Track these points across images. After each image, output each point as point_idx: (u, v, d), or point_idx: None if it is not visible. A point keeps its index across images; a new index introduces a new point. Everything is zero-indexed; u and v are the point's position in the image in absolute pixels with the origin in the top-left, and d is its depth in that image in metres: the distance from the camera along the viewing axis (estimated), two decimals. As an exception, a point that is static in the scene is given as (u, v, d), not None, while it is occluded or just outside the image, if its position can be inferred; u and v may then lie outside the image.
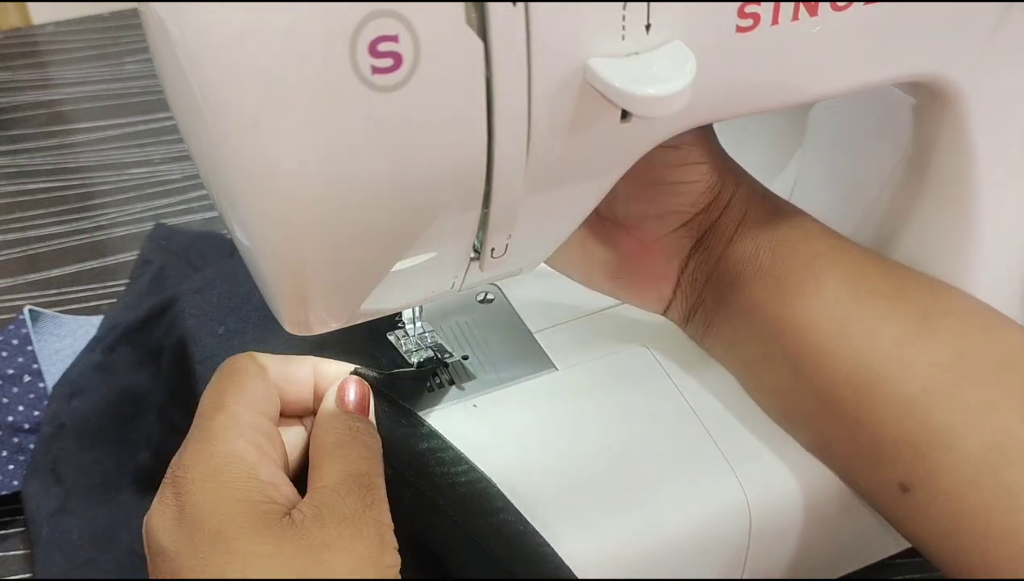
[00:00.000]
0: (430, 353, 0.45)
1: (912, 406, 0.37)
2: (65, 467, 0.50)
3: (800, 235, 0.42)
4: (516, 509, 0.38)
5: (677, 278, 0.44)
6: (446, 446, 0.40)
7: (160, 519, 0.32)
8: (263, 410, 0.35)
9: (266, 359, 0.37)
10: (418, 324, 0.45)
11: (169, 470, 0.33)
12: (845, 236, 0.43)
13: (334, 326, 0.36)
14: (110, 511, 0.48)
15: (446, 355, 0.45)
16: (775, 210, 0.43)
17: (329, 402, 0.37)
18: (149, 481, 0.48)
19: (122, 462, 0.50)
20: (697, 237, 0.43)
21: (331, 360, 0.39)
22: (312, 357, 0.39)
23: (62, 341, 0.58)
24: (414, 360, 0.45)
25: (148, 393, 0.52)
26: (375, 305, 0.36)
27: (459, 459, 0.40)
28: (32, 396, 0.54)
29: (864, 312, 0.39)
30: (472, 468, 0.39)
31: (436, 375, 0.45)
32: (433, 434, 0.40)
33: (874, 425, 0.38)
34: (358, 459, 0.35)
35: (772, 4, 0.31)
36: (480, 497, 0.39)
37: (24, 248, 0.68)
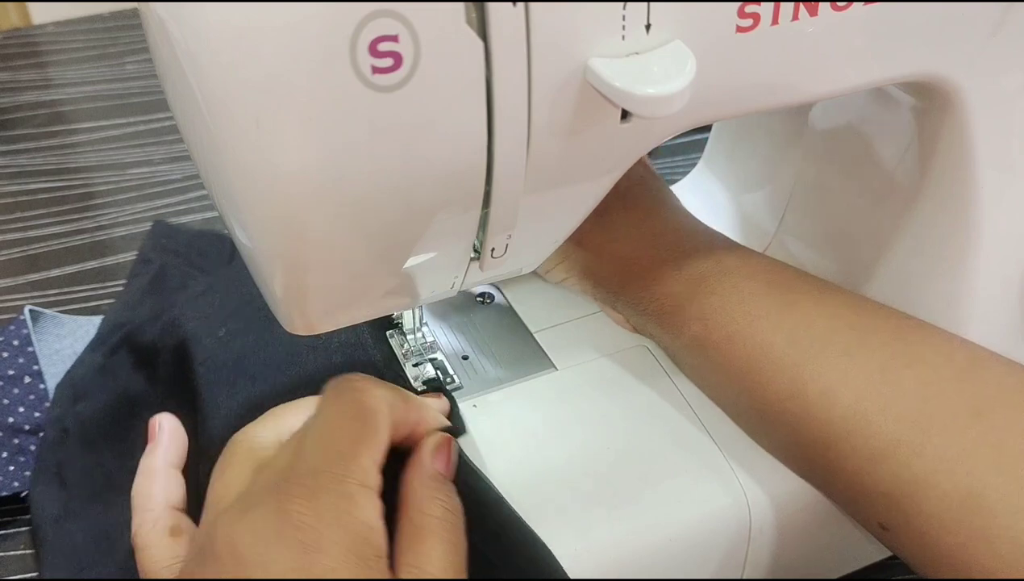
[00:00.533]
0: (432, 372, 0.45)
1: (880, 459, 0.37)
2: (68, 471, 0.50)
3: (732, 288, 0.42)
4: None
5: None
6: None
7: (259, 540, 0.31)
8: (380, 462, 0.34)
9: (389, 401, 0.35)
10: (419, 334, 0.45)
11: (276, 492, 0.32)
12: (797, 275, 0.43)
13: (334, 326, 0.36)
14: (112, 514, 0.48)
15: (447, 380, 0.45)
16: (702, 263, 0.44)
17: (429, 465, 0.36)
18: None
19: (123, 464, 0.49)
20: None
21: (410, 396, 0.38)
22: (415, 397, 0.39)
23: (62, 341, 0.58)
24: (416, 376, 0.45)
25: (149, 395, 0.51)
26: (375, 305, 0.36)
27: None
28: (32, 397, 0.54)
29: (821, 370, 0.39)
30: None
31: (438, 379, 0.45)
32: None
33: (845, 476, 0.38)
34: (460, 544, 0.34)
35: (772, 4, 0.31)
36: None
37: (24, 248, 0.68)
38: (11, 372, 0.54)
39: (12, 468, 0.50)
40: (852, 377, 0.38)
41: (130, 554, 0.45)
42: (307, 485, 0.31)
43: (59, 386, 0.54)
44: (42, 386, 0.54)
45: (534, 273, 0.47)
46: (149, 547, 0.35)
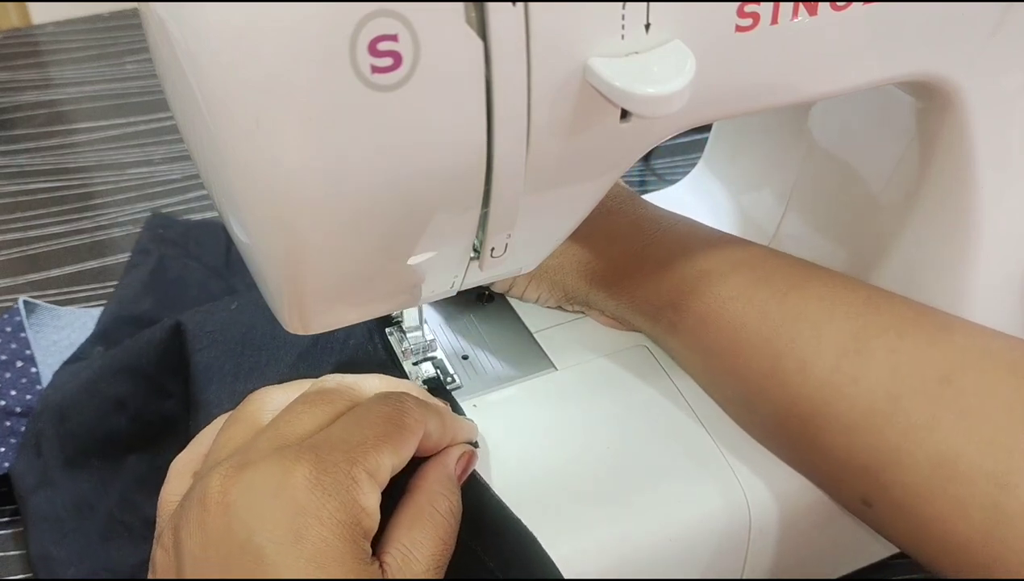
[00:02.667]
0: (432, 371, 0.45)
1: (855, 430, 0.37)
2: (44, 441, 0.50)
3: (711, 266, 0.43)
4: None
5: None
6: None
7: (255, 495, 0.31)
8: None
9: (426, 424, 0.35)
10: (419, 332, 0.45)
11: (282, 454, 0.32)
12: (760, 258, 0.43)
13: (333, 326, 0.36)
14: (89, 478, 0.49)
15: (447, 380, 0.45)
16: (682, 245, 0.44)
17: (450, 466, 0.37)
18: (122, 444, 0.49)
19: (93, 428, 0.50)
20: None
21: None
22: (454, 417, 0.39)
23: (60, 332, 0.59)
24: (416, 376, 0.45)
25: (132, 365, 0.52)
26: (375, 304, 0.36)
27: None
28: (24, 381, 0.54)
29: (793, 343, 0.39)
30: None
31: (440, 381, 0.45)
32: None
33: (824, 449, 0.38)
34: (450, 546, 0.34)
35: (772, 4, 0.31)
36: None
37: (24, 248, 0.68)
38: (3, 357, 0.55)
39: (3, 449, 0.51)
40: (825, 348, 0.38)
41: (111, 517, 0.46)
42: (319, 456, 0.32)
43: (57, 372, 0.55)
44: (34, 370, 0.55)
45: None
46: (169, 479, 0.36)
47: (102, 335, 0.58)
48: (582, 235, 0.46)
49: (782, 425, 0.40)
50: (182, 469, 0.36)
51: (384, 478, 0.33)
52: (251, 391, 0.44)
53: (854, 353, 0.38)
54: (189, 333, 0.49)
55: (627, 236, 0.46)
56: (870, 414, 0.37)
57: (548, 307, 0.49)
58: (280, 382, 0.43)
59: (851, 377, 0.37)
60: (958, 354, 0.37)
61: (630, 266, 0.45)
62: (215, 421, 0.38)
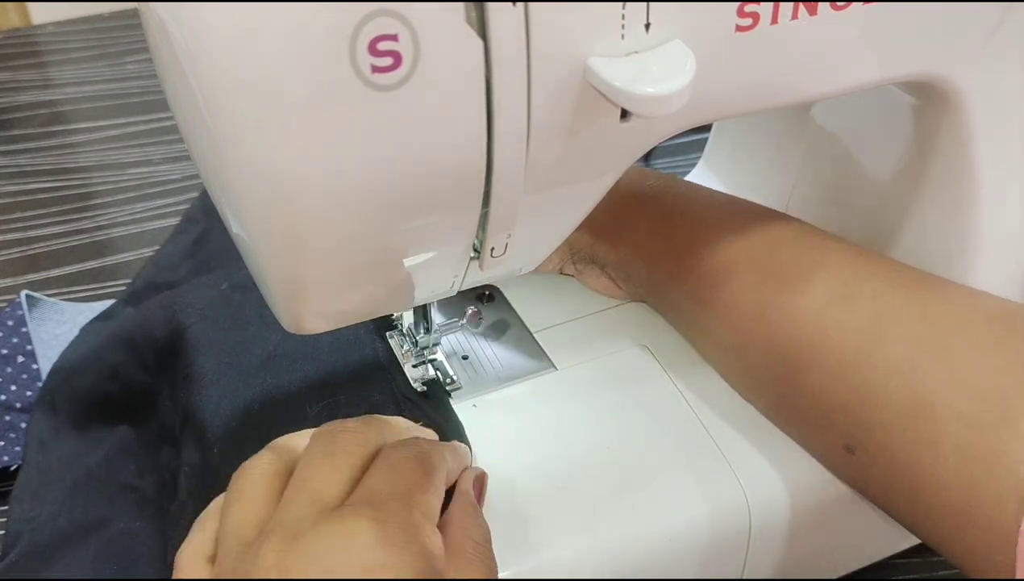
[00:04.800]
0: (432, 372, 0.45)
1: (838, 370, 0.38)
2: (57, 398, 0.52)
3: (708, 217, 0.44)
4: None
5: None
6: None
7: (317, 564, 0.29)
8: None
9: (447, 459, 0.36)
10: (418, 333, 0.46)
11: (334, 517, 0.31)
12: (758, 212, 0.45)
13: (333, 326, 0.36)
14: (83, 437, 0.50)
15: (447, 380, 0.45)
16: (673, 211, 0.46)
17: (471, 495, 0.37)
18: (115, 410, 0.51)
19: (92, 392, 0.51)
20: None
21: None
22: (458, 446, 0.40)
23: (62, 326, 0.59)
24: (416, 378, 0.45)
25: (127, 336, 0.53)
26: (374, 305, 0.36)
27: None
28: (25, 377, 0.55)
29: (783, 288, 0.40)
30: None
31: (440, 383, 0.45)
32: None
33: (808, 391, 0.39)
34: (493, 563, 0.34)
35: (772, 4, 0.31)
36: None
37: (24, 248, 0.68)
38: (4, 351, 0.55)
39: (3, 443, 0.51)
40: (813, 293, 0.39)
41: (89, 473, 0.48)
42: (377, 510, 0.31)
43: (84, 328, 0.56)
44: (35, 366, 0.55)
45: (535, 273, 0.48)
46: (183, 570, 0.33)
47: (133, 296, 0.60)
48: None
49: (769, 368, 0.41)
50: (191, 558, 0.33)
51: (435, 518, 0.33)
52: (238, 364, 0.46)
53: (841, 298, 0.39)
54: (180, 310, 0.50)
55: (629, 187, 0.47)
56: (853, 355, 0.38)
57: (546, 272, 0.50)
58: (269, 358, 0.45)
59: (837, 320, 0.38)
60: (940, 302, 0.38)
61: (632, 216, 0.46)
62: (212, 504, 0.35)
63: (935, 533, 0.36)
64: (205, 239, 0.64)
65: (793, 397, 0.41)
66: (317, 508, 0.31)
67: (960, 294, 0.39)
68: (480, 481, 0.39)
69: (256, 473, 0.34)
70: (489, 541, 0.35)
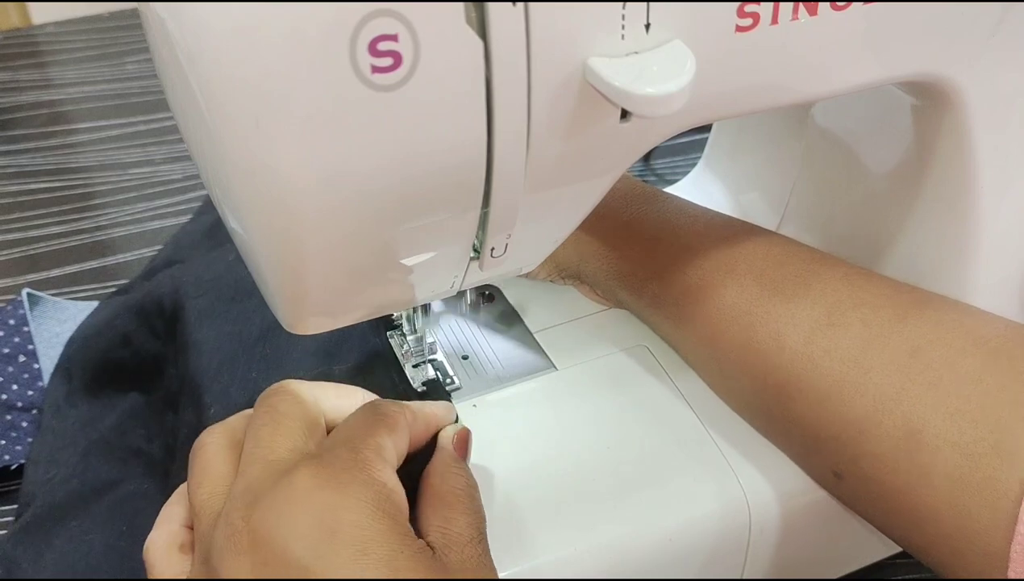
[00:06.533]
0: (432, 372, 0.45)
1: (826, 400, 0.38)
2: (73, 366, 0.54)
3: (693, 242, 0.44)
4: None
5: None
6: None
7: (278, 518, 0.30)
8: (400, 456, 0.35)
9: (406, 410, 0.36)
10: (418, 332, 0.46)
11: (285, 474, 0.31)
12: (743, 234, 0.44)
13: (333, 326, 0.36)
14: (97, 403, 0.52)
15: (447, 380, 0.45)
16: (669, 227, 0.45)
17: (449, 447, 0.37)
18: (126, 377, 0.53)
19: (106, 359, 0.53)
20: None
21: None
22: (426, 404, 0.39)
23: (62, 325, 0.59)
24: (415, 377, 0.45)
25: (139, 305, 0.55)
26: (374, 305, 0.36)
27: None
28: (27, 376, 0.55)
29: (768, 316, 0.40)
30: None
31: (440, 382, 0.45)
32: None
33: (797, 420, 0.39)
34: (482, 515, 0.35)
35: (772, 4, 0.31)
36: None
37: (24, 248, 0.68)
38: (6, 351, 0.55)
39: (3, 443, 0.51)
40: (799, 321, 0.39)
41: (101, 438, 0.50)
42: (321, 457, 0.31)
43: (102, 302, 0.58)
44: (36, 365, 0.55)
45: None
46: (156, 564, 0.34)
47: (151, 273, 0.61)
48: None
49: (758, 396, 0.41)
50: (163, 550, 0.34)
51: (390, 457, 0.33)
52: (238, 334, 0.48)
53: (827, 326, 0.38)
54: (187, 281, 0.52)
55: (617, 210, 0.47)
56: (841, 385, 0.37)
57: (537, 280, 0.50)
58: (268, 329, 0.46)
59: (823, 349, 0.38)
60: (929, 328, 0.37)
61: (618, 239, 0.46)
62: (175, 493, 0.36)
63: (927, 555, 0.36)
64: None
65: (782, 423, 0.41)
66: (270, 471, 0.32)
67: (949, 316, 0.38)
68: (462, 438, 0.38)
69: (211, 448, 0.35)
70: (471, 487, 0.35)
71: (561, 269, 0.49)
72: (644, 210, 0.47)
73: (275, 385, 0.36)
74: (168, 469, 0.48)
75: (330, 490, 0.30)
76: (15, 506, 0.50)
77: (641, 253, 0.45)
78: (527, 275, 0.50)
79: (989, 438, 0.33)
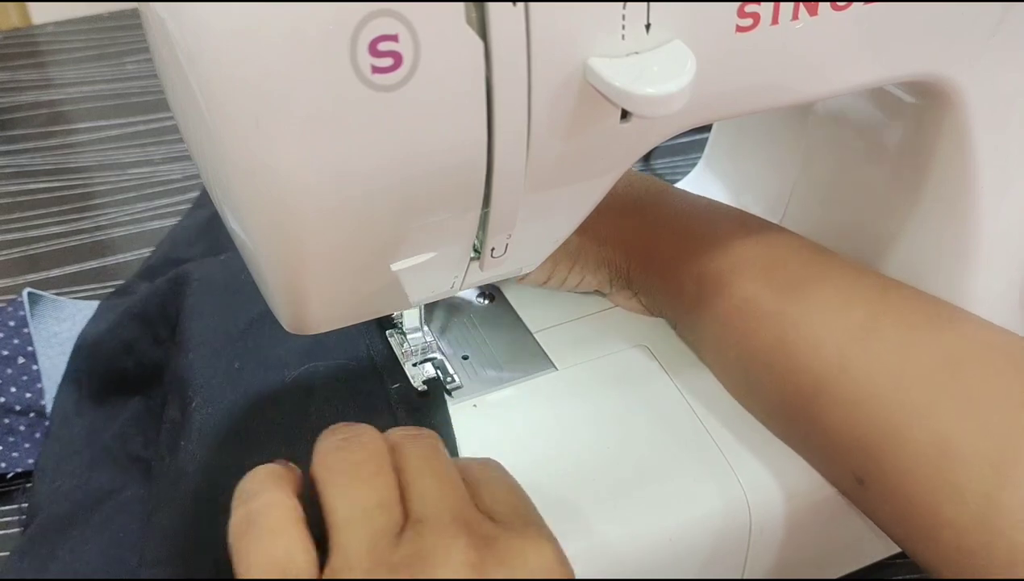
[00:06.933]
0: (432, 371, 0.45)
1: (857, 409, 0.38)
2: (82, 376, 0.54)
3: (735, 248, 0.44)
4: None
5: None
6: None
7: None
8: None
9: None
10: (419, 334, 0.46)
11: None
12: (776, 233, 0.44)
13: (333, 326, 0.36)
14: (102, 412, 0.52)
15: (447, 380, 0.45)
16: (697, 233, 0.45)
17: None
18: (129, 385, 0.53)
19: (110, 368, 0.54)
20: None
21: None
22: None
23: (61, 324, 0.58)
24: (416, 376, 0.45)
25: (140, 312, 0.55)
26: (374, 305, 0.36)
27: None
28: (26, 378, 0.54)
29: (803, 324, 0.40)
30: None
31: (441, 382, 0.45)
32: None
33: (824, 427, 0.39)
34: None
35: (772, 4, 0.31)
36: None
37: (24, 248, 0.68)
38: (5, 352, 0.55)
39: (1, 448, 0.51)
40: (835, 329, 0.39)
41: (106, 447, 0.50)
42: (549, 533, 0.32)
43: (101, 306, 0.58)
44: (35, 367, 0.55)
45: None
46: (278, 531, 0.29)
47: (149, 271, 0.61)
48: (620, 211, 0.47)
49: (785, 400, 0.41)
50: (287, 520, 0.30)
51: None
52: (224, 328, 0.48)
53: (863, 338, 0.39)
54: (186, 283, 0.52)
55: (659, 207, 0.47)
56: (873, 395, 0.37)
57: (583, 292, 0.50)
58: (252, 323, 0.47)
59: (858, 359, 0.38)
60: (963, 344, 0.38)
61: (658, 240, 0.46)
62: (264, 472, 0.32)
63: (941, 570, 0.36)
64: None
65: (807, 428, 0.40)
66: (449, 514, 0.31)
67: (981, 335, 0.38)
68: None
69: (362, 453, 0.31)
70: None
71: (614, 276, 0.48)
72: (679, 210, 0.47)
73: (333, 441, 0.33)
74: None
75: (562, 569, 0.31)
76: (14, 506, 0.50)
77: (684, 259, 0.45)
78: (577, 287, 0.49)
79: (1022, 457, 0.34)
